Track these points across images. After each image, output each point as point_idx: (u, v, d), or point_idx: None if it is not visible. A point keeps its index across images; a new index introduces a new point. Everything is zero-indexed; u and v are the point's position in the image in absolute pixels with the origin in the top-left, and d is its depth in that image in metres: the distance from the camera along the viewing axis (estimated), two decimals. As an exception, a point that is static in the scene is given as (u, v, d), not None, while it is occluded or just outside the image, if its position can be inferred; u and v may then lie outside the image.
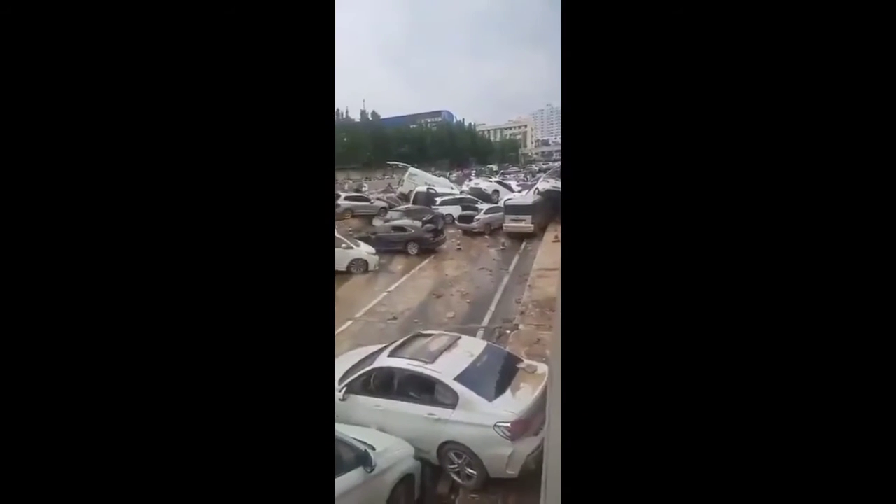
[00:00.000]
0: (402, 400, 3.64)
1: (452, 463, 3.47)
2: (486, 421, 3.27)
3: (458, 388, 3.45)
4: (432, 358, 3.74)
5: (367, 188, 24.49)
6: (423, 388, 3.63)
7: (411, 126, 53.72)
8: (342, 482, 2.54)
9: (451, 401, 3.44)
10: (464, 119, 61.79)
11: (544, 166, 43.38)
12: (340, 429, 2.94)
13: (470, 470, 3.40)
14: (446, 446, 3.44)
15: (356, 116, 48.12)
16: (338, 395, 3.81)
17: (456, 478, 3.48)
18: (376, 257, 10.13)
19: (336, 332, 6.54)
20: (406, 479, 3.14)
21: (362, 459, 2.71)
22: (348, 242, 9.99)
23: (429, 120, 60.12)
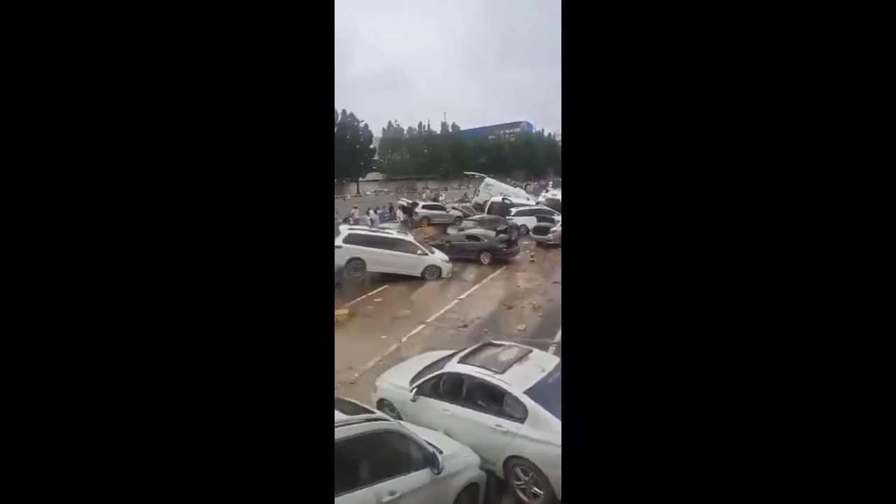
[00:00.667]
0: (470, 407, 3.66)
1: (519, 479, 3.39)
2: (556, 440, 3.15)
3: (527, 402, 3.37)
4: (502, 368, 3.72)
5: (443, 198, 25.17)
6: (491, 398, 3.61)
7: (490, 137, 54.16)
8: (409, 480, 2.63)
9: (521, 414, 3.37)
10: (543, 129, 60.71)
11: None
12: (412, 428, 3.05)
13: (536, 489, 3.29)
14: (513, 461, 3.38)
15: (437, 128, 49.97)
16: (408, 395, 3.95)
17: (521, 495, 3.39)
18: (449, 265, 10.34)
19: (409, 334, 6.80)
20: (471, 488, 3.14)
21: (430, 461, 2.78)
22: (423, 249, 10.34)
23: (508, 130, 60.08)
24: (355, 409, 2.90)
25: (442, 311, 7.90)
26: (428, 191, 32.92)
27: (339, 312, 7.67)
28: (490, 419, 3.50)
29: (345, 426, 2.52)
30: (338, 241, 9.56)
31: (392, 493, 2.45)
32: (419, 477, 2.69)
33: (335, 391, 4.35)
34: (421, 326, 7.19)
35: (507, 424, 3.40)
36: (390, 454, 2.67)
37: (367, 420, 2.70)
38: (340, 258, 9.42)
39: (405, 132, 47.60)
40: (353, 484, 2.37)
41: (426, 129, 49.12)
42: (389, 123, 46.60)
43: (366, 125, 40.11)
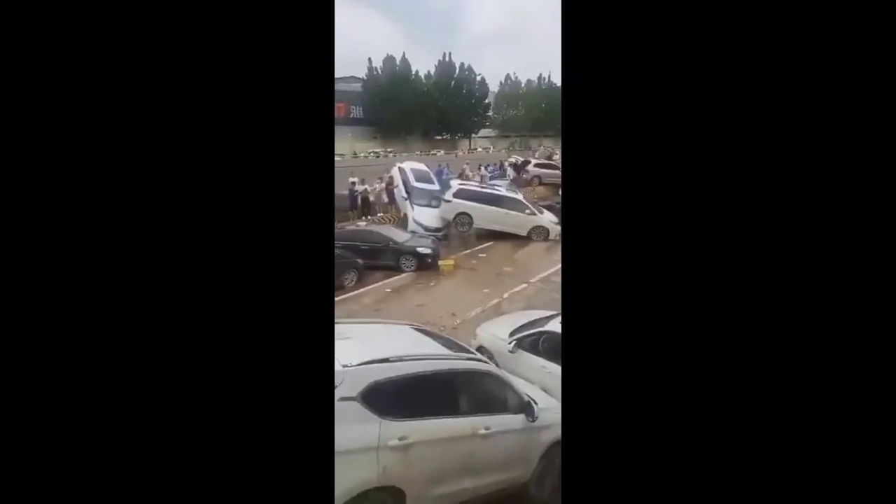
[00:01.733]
0: (569, 369, 3.60)
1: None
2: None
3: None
4: (608, 336, 3.53)
5: (557, 156, 23.70)
6: (593, 363, 3.49)
7: (618, 89, 48.16)
8: (504, 420, 2.74)
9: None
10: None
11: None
12: (510, 376, 3.14)
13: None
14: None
15: (558, 81, 46.10)
16: (507, 346, 4.05)
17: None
18: (558, 227, 9.90)
19: (511, 291, 6.85)
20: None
21: (526, 408, 2.85)
22: (532, 209, 10.06)
23: (640, 81, 52.49)
24: (459, 347, 3.09)
25: (546, 273, 7.72)
26: (542, 148, 31.29)
27: (445, 263, 8.07)
28: (589, 383, 3.40)
29: (447, 360, 2.71)
30: (447, 196, 9.86)
31: (487, 429, 2.61)
32: (514, 420, 2.79)
33: (439, 333, 4.70)
34: (523, 285, 7.16)
35: (607, 391, 3.27)
36: (487, 394, 2.81)
37: (469, 358, 2.86)
38: (449, 212, 9.73)
39: (523, 85, 45.18)
40: (452, 412, 2.57)
41: (546, 81, 45.81)
42: (507, 77, 44.58)
43: (482, 79, 39.05)
